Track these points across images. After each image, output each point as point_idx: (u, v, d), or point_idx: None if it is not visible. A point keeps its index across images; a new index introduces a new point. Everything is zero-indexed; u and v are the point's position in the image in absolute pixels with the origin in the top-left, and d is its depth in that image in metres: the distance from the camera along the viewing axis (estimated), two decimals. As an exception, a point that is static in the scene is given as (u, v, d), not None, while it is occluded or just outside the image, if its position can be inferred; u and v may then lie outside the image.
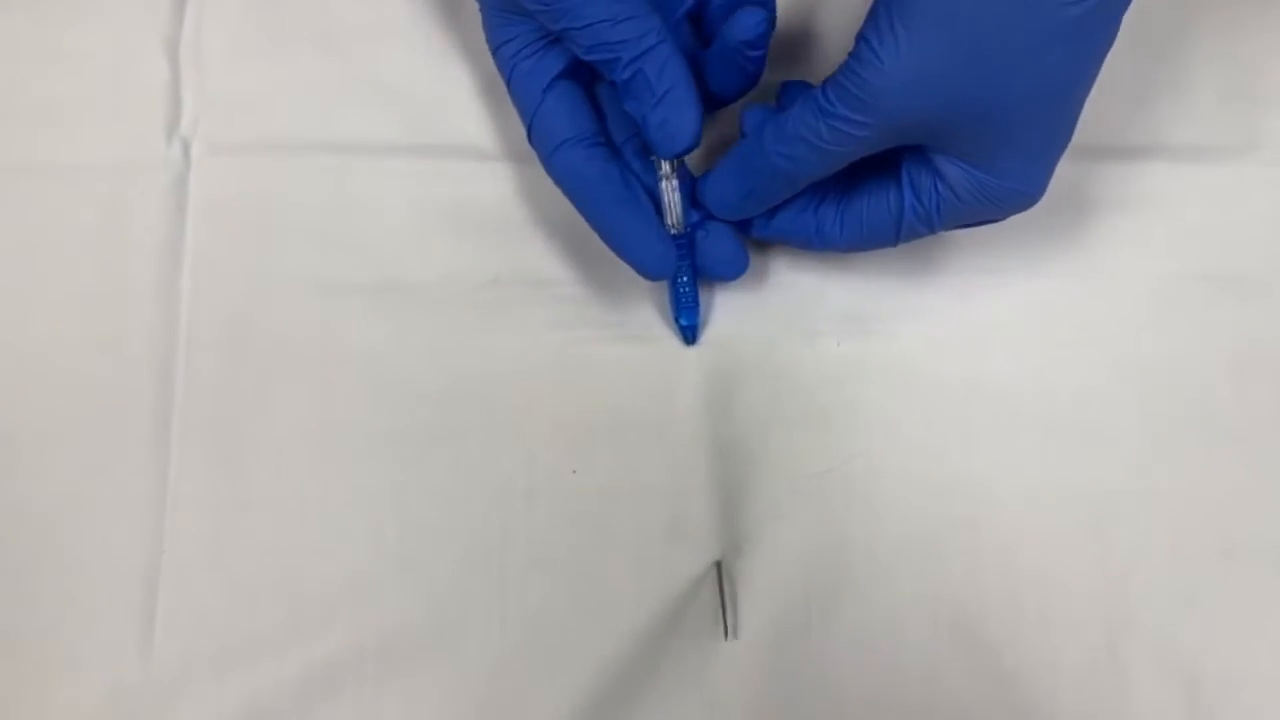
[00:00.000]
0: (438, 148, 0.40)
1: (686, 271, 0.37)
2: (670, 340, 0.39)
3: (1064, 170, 0.38)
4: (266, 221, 0.39)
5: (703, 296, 0.38)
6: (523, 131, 0.36)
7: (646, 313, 0.39)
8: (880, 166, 0.33)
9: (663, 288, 0.38)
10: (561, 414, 0.38)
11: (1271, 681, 0.36)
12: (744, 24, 0.33)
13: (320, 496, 0.37)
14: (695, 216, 0.37)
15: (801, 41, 0.40)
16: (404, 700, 0.36)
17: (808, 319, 0.39)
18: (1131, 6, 0.30)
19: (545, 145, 0.35)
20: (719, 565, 0.37)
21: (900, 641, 0.37)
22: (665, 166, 0.35)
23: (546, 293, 0.39)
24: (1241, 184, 0.38)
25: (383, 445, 0.38)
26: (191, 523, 0.37)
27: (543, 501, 0.37)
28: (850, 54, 0.30)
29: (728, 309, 0.39)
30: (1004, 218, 0.33)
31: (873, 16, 0.30)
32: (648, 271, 0.36)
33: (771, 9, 0.35)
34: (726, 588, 0.37)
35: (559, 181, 0.35)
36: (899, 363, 0.38)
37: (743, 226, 0.36)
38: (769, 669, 0.36)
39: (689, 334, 0.38)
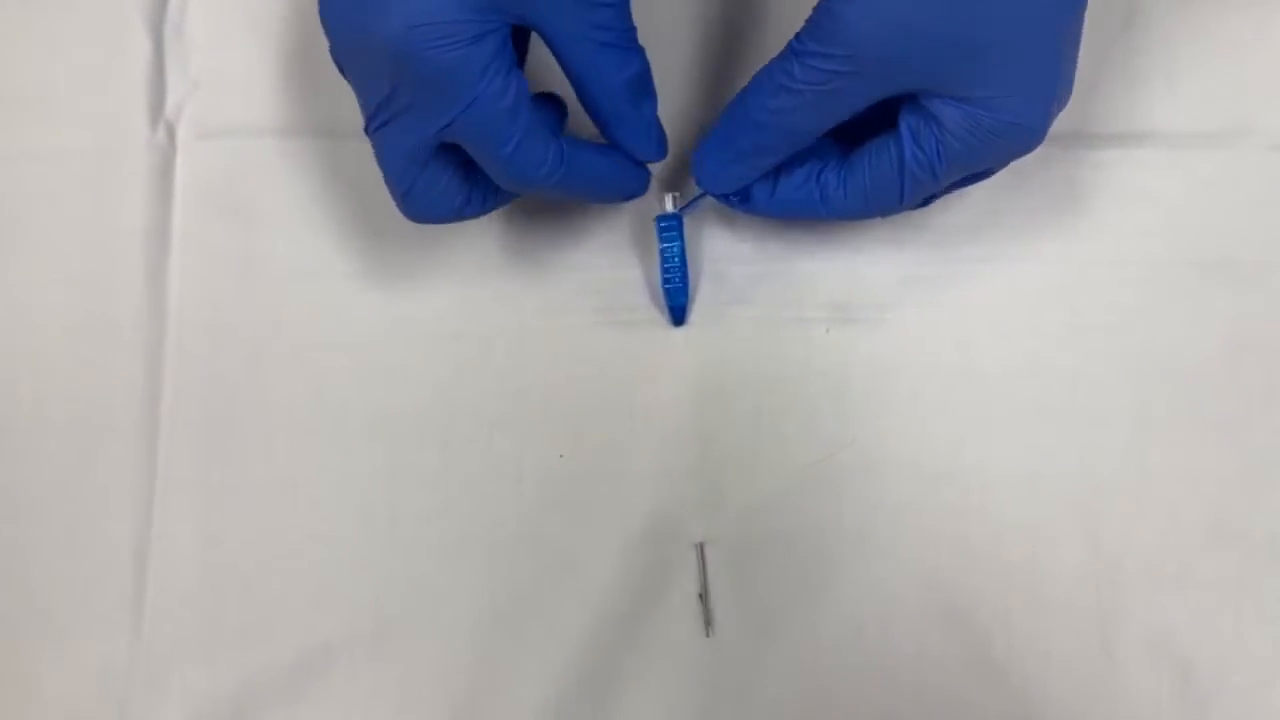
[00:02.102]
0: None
1: (676, 252, 0.37)
2: (660, 326, 0.38)
3: (1056, 157, 0.38)
4: (254, 205, 0.39)
5: (692, 281, 0.38)
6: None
7: (636, 298, 0.38)
8: (881, 128, 0.32)
9: (654, 269, 0.38)
10: (550, 398, 0.38)
11: (1262, 666, 0.36)
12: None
13: (310, 480, 0.38)
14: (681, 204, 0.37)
15: None
16: (394, 682, 0.37)
17: (797, 306, 0.38)
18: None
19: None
20: (701, 549, 0.37)
21: (891, 629, 0.36)
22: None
23: (536, 277, 0.39)
24: (1233, 169, 0.38)
25: (372, 429, 0.38)
26: (181, 506, 0.37)
27: (530, 485, 0.37)
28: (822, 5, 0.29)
29: (717, 295, 0.38)
30: (1008, 160, 0.32)
31: None
32: (632, 195, 0.35)
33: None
34: (709, 576, 0.37)
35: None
36: (889, 350, 0.38)
37: (748, 202, 0.35)
38: (758, 656, 0.36)
39: (677, 314, 0.38)
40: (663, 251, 0.37)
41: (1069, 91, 0.31)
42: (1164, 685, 0.36)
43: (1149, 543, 0.37)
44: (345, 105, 0.39)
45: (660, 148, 0.34)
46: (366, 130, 0.32)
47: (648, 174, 0.35)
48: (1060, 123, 0.37)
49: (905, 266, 0.38)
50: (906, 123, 0.31)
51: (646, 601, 0.37)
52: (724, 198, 0.35)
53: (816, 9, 0.29)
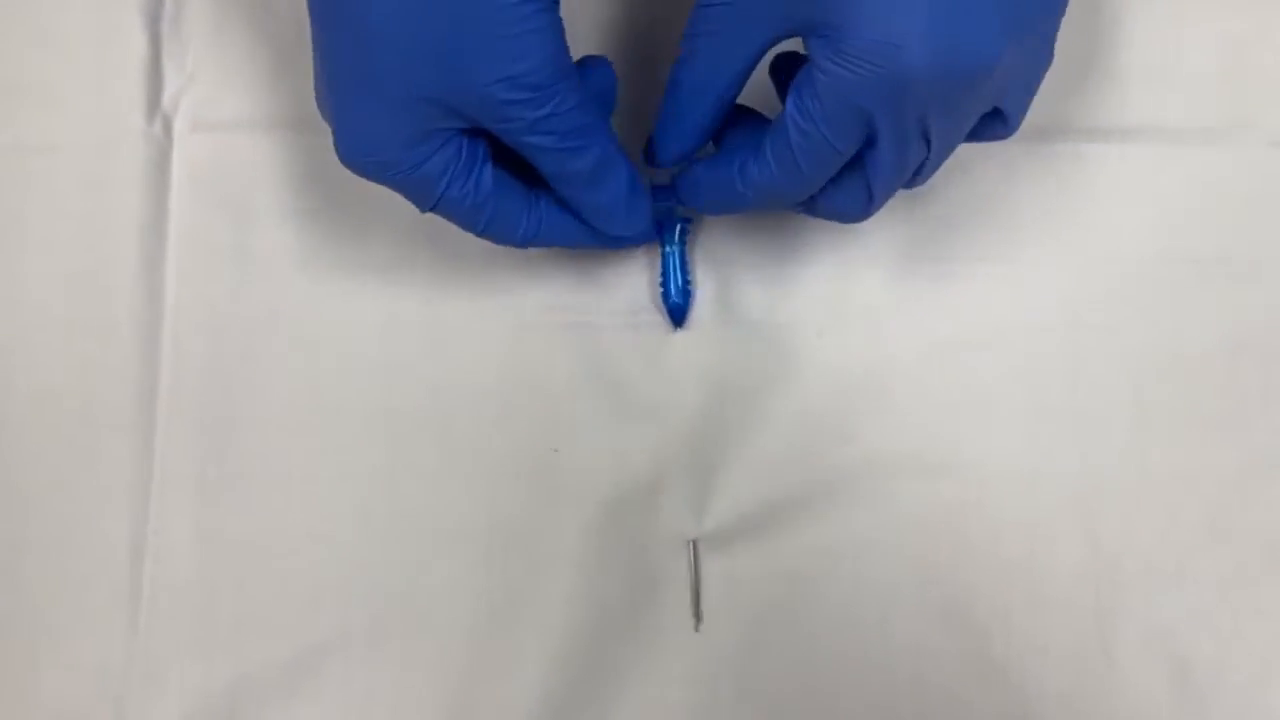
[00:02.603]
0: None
1: (677, 255, 0.37)
2: (658, 325, 0.38)
3: (1051, 152, 0.38)
4: (250, 198, 0.39)
5: (692, 284, 0.38)
6: None
7: (636, 297, 0.38)
8: None
9: (654, 270, 0.38)
10: (547, 397, 0.38)
11: (1260, 664, 0.36)
12: None
13: (306, 476, 0.38)
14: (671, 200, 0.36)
15: None
16: (389, 678, 0.37)
17: (794, 308, 0.38)
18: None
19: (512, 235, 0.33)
20: (693, 546, 0.37)
21: (888, 626, 0.36)
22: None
23: (535, 275, 0.38)
24: (1232, 166, 0.38)
25: (369, 425, 0.38)
26: (177, 503, 0.37)
27: (526, 483, 0.37)
28: None
29: (716, 298, 0.38)
30: (897, 104, 0.27)
31: None
32: (632, 244, 0.36)
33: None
34: (700, 573, 0.37)
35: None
36: (884, 349, 0.38)
37: (677, 195, 0.34)
38: (753, 653, 0.36)
39: (677, 315, 0.38)
40: (663, 256, 0.37)
41: (980, 26, 0.27)
42: (1162, 683, 0.36)
43: (1147, 540, 0.37)
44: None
45: (629, 224, 0.33)
46: None
47: (639, 228, 0.34)
48: (1056, 117, 0.38)
49: (901, 266, 0.38)
50: (795, 80, 0.29)
51: (640, 597, 0.37)
52: (661, 194, 0.35)
53: None
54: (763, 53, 0.30)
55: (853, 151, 0.29)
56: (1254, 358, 0.37)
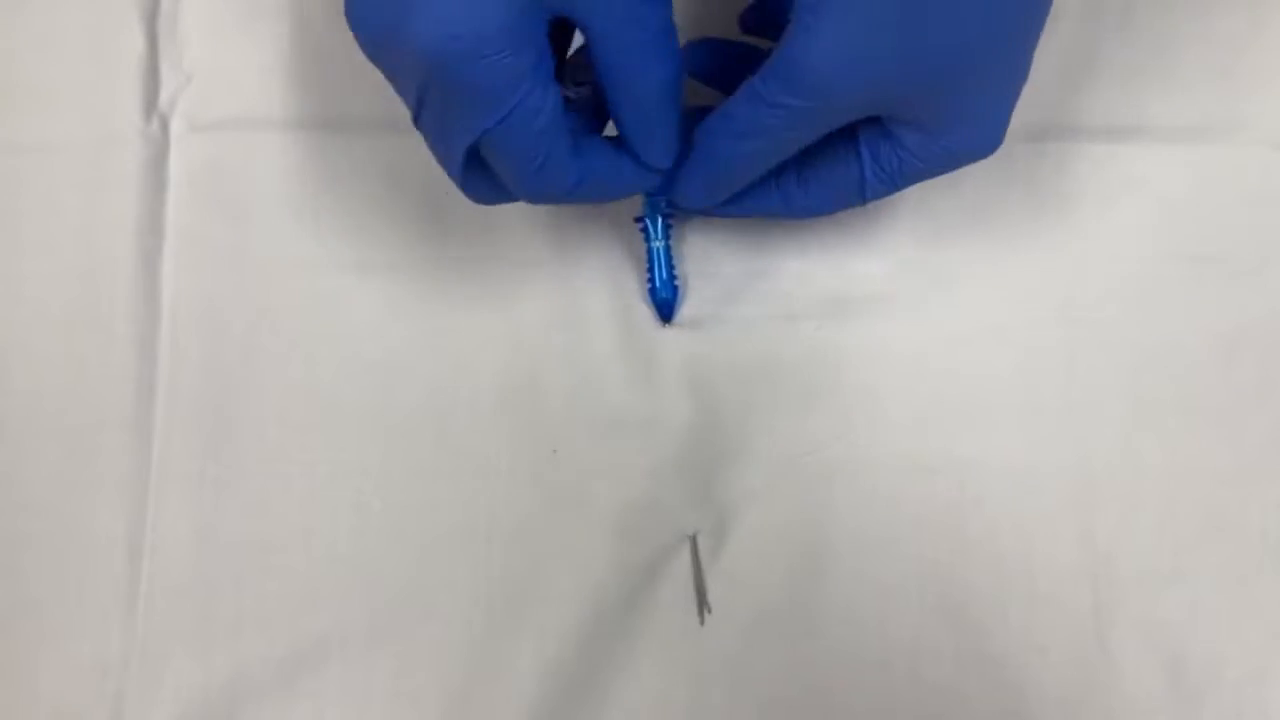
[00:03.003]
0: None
1: (663, 250, 0.37)
2: (650, 322, 0.38)
3: (1049, 151, 0.38)
4: (248, 198, 0.39)
5: (681, 279, 0.38)
6: None
7: (628, 296, 0.38)
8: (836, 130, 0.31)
9: (642, 267, 0.38)
10: (543, 393, 0.38)
11: (1256, 660, 0.36)
12: None
13: (303, 473, 0.38)
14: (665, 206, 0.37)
15: None
16: (388, 674, 0.37)
17: (788, 302, 0.38)
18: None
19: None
20: (694, 540, 0.37)
21: (885, 622, 0.37)
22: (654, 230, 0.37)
23: (529, 273, 0.39)
24: (1226, 164, 0.38)
25: (366, 423, 0.38)
26: (175, 500, 0.37)
27: (523, 479, 0.37)
28: (785, 32, 0.28)
29: (707, 293, 0.38)
30: (964, 165, 0.31)
31: (801, 3, 0.27)
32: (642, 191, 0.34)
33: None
34: (702, 568, 0.37)
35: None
36: (880, 345, 0.38)
37: (714, 207, 0.34)
38: (751, 649, 0.37)
39: (665, 311, 0.38)
40: (649, 251, 0.37)
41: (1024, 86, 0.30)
42: (1158, 678, 0.36)
43: (1144, 538, 0.37)
44: (340, 98, 0.39)
45: (671, 157, 0.32)
46: (413, 122, 0.30)
47: (659, 176, 0.34)
48: (1054, 117, 0.38)
49: (897, 262, 0.38)
50: (867, 144, 0.31)
51: (639, 594, 0.37)
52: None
53: (781, 55, 0.28)
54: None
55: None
56: (1250, 356, 0.37)
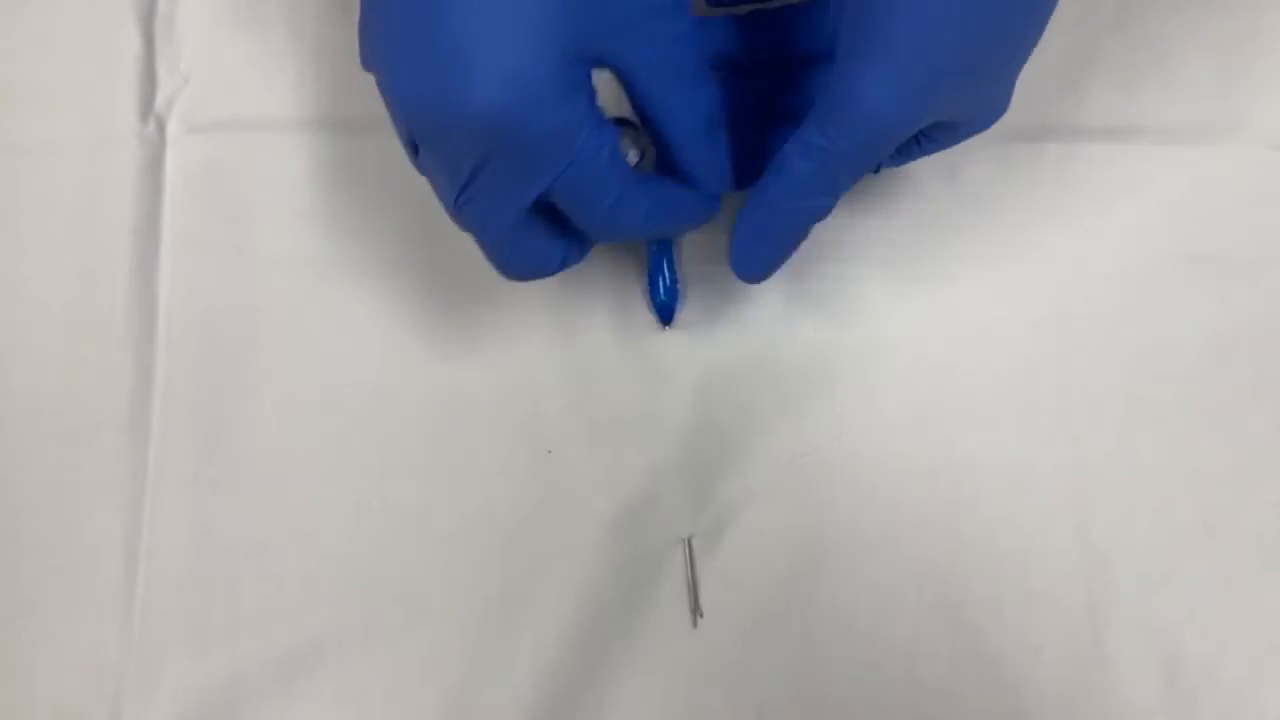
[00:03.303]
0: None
1: (664, 251, 0.37)
2: (648, 323, 0.38)
3: (1047, 151, 0.38)
4: (245, 199, 0.39)
5: (680, 280, 0.38)
6: None
7: (628, 297, 0.38)
8: None
9: (642, 270, 0.38)
10: (541, 394, 0.38)
11: (1252, 661, 0.36)
12: None
13: (301, 475, 0.38)
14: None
15: None
16: (384, 675, 0.37)
17: (785, 303, 0.38)
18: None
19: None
20: (689, 543, 0.37)
21: (881, 622, 0.37)
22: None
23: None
24: (1225, 164, 0.38)
25: (363, 423, 0.38)
26: (171, 500, 0.37)
27: (522, 480, 0.37)
28: (835, 83, 0.27)
29: (704, 293, 0.38)
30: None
31: (850, 42, 0.27)
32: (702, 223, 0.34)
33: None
34: (697, 569, 0.37)
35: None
36: (877, 346, 0.38)
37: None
38: (748, 649, 0.37)
39: (665, 314, 0.38)
40: (649, 253, 0.37)
41: None
42: (1154, 680, 0.36)
43: (1139, 538, 0.37)
44: (337, 99, 0.39)
45: (730, 179, 0.32)
46: (454, 204, 0.29)
47: (718, 203, 0.34)
48: (1053, 117, 0.37)
49: (894, 262, 0.38)
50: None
51: (636, 595, 0.37)
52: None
53: (829, 103, 0.27)
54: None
55: None
56: (1248, 356, 0.37)
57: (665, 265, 0.37)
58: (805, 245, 0.38)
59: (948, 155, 0.32)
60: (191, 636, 0.37)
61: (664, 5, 0.28)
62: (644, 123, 0.30)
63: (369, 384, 0.38)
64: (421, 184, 0.37)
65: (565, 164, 0.27)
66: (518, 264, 0.31)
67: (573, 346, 0.38)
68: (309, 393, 0.38)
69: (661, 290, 0.37)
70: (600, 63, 0.28)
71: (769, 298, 0.38)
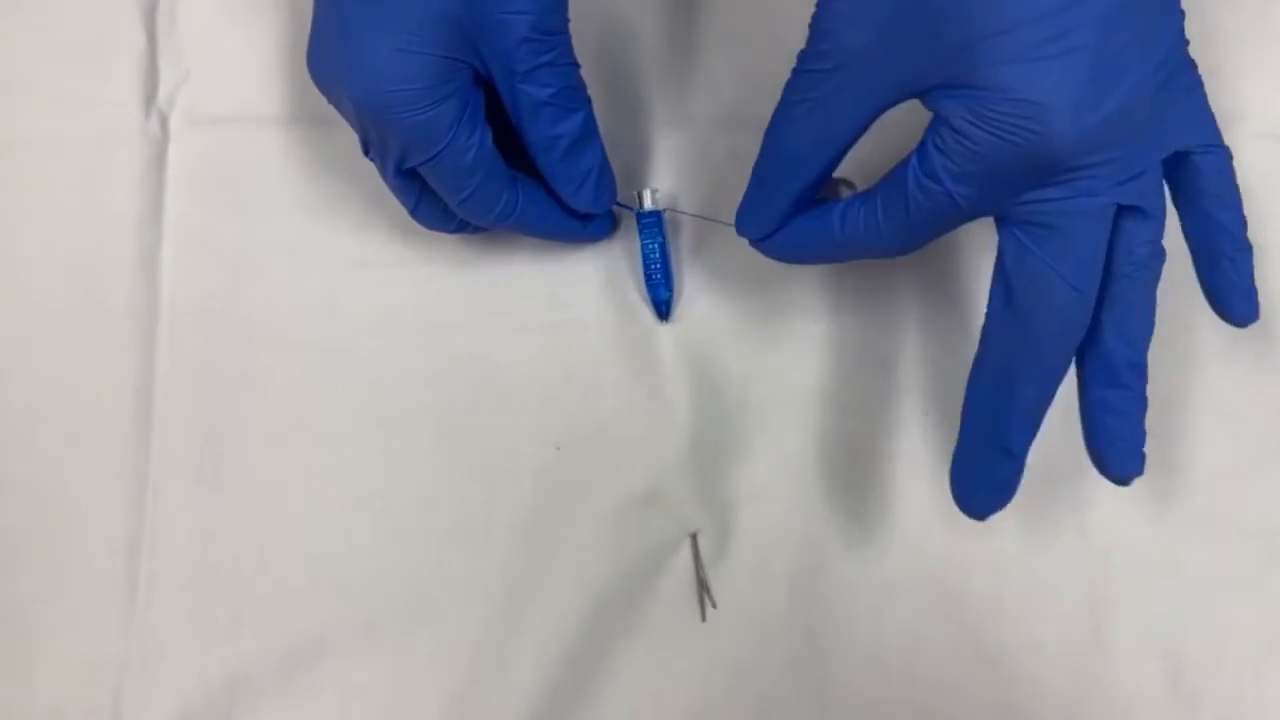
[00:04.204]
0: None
1: (659, 248, 0.37)
2: (649, 320, 0.38)
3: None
4: (247, 193, 0.39)
5: (678, 275, 0.38)
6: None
7: (626, 293, 0.38)
8: None
9: (640, 264, 0.38)
10: (542, 390, 0.38)
11: (1254, 656, 0.36)
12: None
13: (302, 470, 0.38)
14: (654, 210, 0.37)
15: None
16: (387, 673, 0.37)
17: (784, 298, 0.38)
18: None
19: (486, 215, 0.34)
20: (694, 538, 0.37)
21: (882, 617, 0.37)
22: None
23: (529, 270, 0.39)
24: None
25: (365, 420, 0.38)
26: (174, 497, 0.37)
27: (523, 476, 0.37)
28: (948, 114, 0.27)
29: (702, 288, 0.38)
30: (1038, 159, 0.27)
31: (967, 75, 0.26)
32: (593, 238, 0.38)
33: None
34: (704, 565, 0.37)
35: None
36: (878, 342, 0.38)
37: (770, 242, 0.33)
38: (751, 645, 0.37)
39: (662, 309, 0.38)
40: (644, 248, 0.37)
41: (1120, 89, 0.27)
42: (1155, 674, 0.36)
43: (1141, 532, 0.37)
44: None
45: (597, 200, 0.35)
46: (363, 153, 0.34)
47: (606, 223, 0.37)
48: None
49: (897, 259, 0.38)
50: (924, 135, 0.29)
51: (640, 591, 0.37)
52: (755, 243, 0.33)
53: (952, 138, 0.27)
54: (871, 120, 0.29)
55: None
56: (1250, 348, 0.37)
57: (660, 262, 0.37)
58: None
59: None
60: (193, 633, 0.37)
61: (537, 35, 0.31)
62: (518, 138, 0.33)
63: (370, 380, 0.38)
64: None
65: (429, 156, 0.31)
66: (421, 217, 0.35)
67: (573, 343, 0.38)
68: (310, 389, 0.38)
69: (656, 287, 0.37)
70: (484, 76, 0.32)
71: (769, 291, 0.38)
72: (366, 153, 0.33)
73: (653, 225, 0.37)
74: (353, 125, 0.33)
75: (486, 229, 0.36)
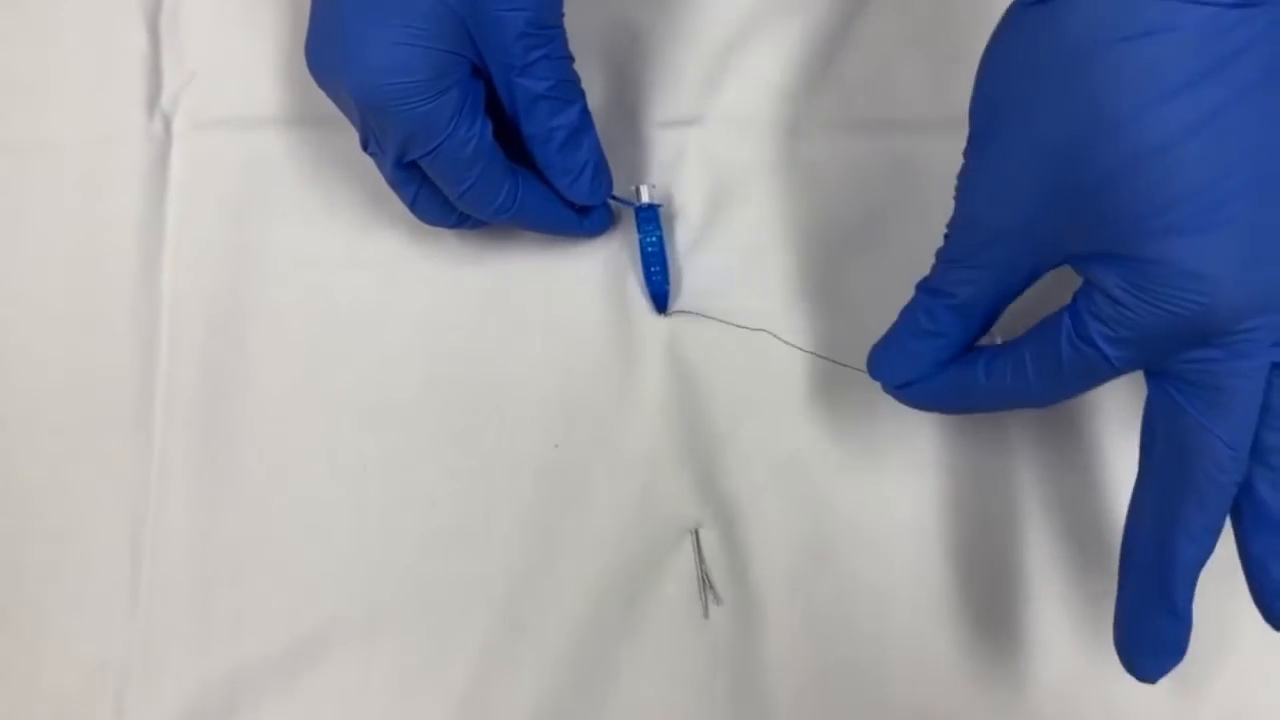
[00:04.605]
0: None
1: (657, 241, 0.37)
2: (648, 316, 0.38)
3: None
4: (250, 194, 0.39)
5: (678, 272, 0.38)
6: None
7: (625, 289, 0.39)
8: None
9: (638, 261, 0.38)
10: (542, 387, 0.38)
11: (1256, 657, 0.36)
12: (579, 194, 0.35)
13: (304, 470, 0.38)
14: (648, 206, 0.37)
15: None
16: (389, 669, 0.37)
17: (784, 296, 0.38)
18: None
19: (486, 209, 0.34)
20: (696, 534, 0.37)
21: (884, 615, 0.36)
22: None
23: (528, 268, 0.39)
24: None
25: (366, 419, 0.38)
26: (176, 496, 0.38)
27: (523, 473, 0.37)
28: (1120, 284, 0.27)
29: (705, 286, 0.38)
30: (1203, 329, 0.27)
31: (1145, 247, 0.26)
32: (591, 233, 0.38)
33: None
34: (705, 561, 0.37)
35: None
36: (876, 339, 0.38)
37: (909, 390, 0.32)
38: (752, 642, 0.36)
39: (660, 302, 0.38)
40: (641, 242, 0.37)
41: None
42: (1158, 674, 0.36)
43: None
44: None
45: (594, 192, 0.35)
46: (362, 148, 0.34)
47: (603, 217, 0.37)
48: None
49: (896, 259, 0.38)
50: (1075, 297, 0.29)
51: (641, 589, 0.37)
52: (891, 389, 0.33)
53: (1116, 309, 0.27)
54: (1021, 290, 0.30)
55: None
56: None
57: (658, 255, 0.37)
58: (804, 240, 0.38)
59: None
60: (195, 633, 0.37)
61: (533, 29, 0.32)
62: (514, 132, 0.34)
63: (371, 379, 0.38)
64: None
65: (430, 148, 0.32)
66: (420, 212, 0.35)
67: (573, 339, 0.38)
68: (311, 388, 0.38)
69: (655, 280, 0.37)
70: (482, 69, 0.32)
71: (769, 289, 0.38)
72: (365, 147, 0.34)
73: (650, 219, 0.37)
74: (351, 119, 0.33)
75: (485, 224, 0.36)
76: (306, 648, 0.37)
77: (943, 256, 0.30)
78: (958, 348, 0.31)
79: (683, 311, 0.38)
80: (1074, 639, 0.36)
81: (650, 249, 0.37)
